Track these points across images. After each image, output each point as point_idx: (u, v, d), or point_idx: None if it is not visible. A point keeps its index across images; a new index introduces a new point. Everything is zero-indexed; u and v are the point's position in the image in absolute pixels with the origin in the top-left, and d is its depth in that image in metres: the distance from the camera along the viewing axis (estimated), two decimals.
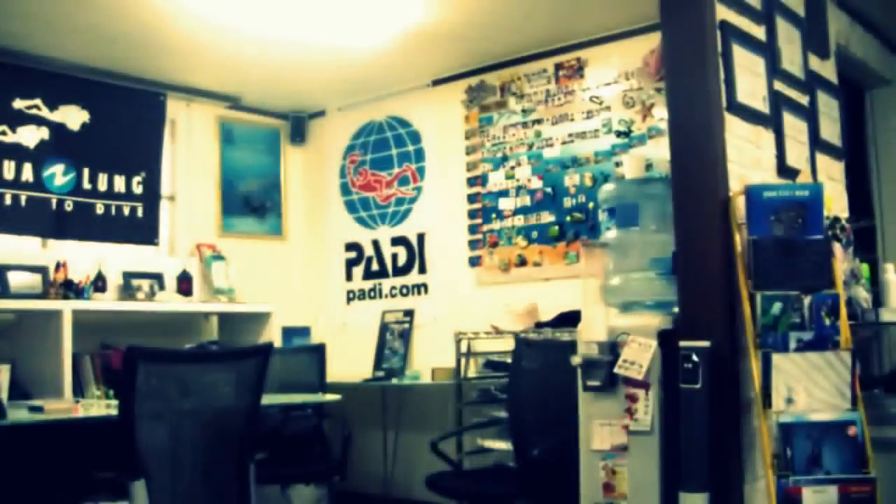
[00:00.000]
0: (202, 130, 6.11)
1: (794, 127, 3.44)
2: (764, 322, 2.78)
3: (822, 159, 3.72)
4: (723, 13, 3.08)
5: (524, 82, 5.42)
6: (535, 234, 5.29)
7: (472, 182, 5.64)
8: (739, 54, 3.10)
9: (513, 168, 5.43)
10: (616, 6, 4.68)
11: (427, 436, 4.37)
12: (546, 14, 4.78)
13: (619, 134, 4.99)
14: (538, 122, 5.34)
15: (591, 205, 5.05)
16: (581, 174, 5.12)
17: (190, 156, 6.01)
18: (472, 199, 5.64)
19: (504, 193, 5.47)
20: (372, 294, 6.14)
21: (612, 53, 5.05)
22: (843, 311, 2.84)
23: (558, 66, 5.27)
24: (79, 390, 4.76)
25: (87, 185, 5.37)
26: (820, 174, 3.65)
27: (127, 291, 5.33)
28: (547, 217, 5.25)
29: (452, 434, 4.76)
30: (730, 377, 2.84)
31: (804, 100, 3.58)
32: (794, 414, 2.72)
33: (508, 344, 4.75)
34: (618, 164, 4.94)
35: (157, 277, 5.53)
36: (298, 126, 6.57)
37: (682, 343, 2.82)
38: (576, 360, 3.04)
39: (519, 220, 5.38)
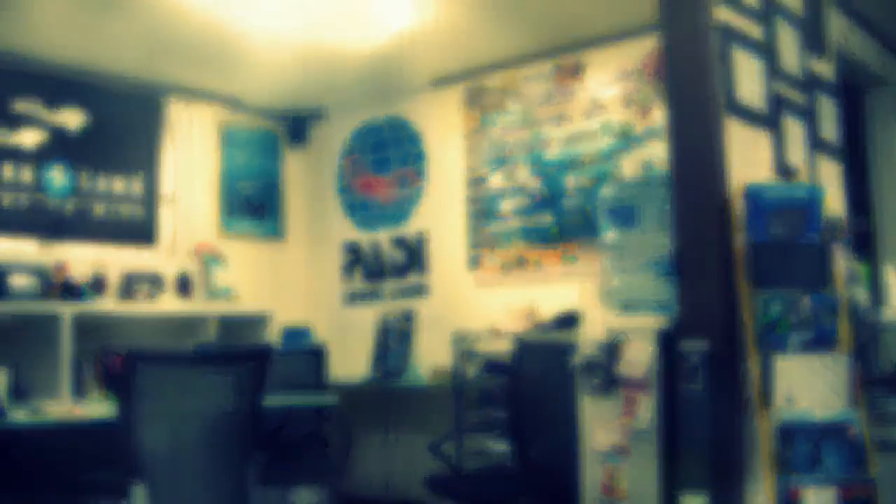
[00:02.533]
0: (201, 132, 6.11)
1: (794, 127, 3.45)
2: (764, 322, 2.78)
3: (822, 160, 3.73)
4: (722, 14, 3.09)
5: (524, 83, 5.43)
6: (534, 236, 5.29)
7: (471, 183, 5.65)
8: (738, 55, 3.11)
9: (512, 169, 5.43)
10: (615, 7, 4.68)
11: (427, 437, 4.38)
12: (546, 15, 4.78)
13: (618, 135, 4.99)
14: (538, 123, 5.34)
15: (590, 206, 5.05)
16: (580, 175, 5.12)
17: (189, 157, 6.02)
18: (471, 200, 5.64)
19: (503, 194, 5.47)
20: (372, 295, 6.14)
21: (612, 55, 5.05)
22: (843, 311, 2.85)
23: (558, 68, 5.28)
24: (78, 392, 4.76)
25: (86, 187, 5.37)
26: (819, 174, 3.65)
27: (126, 293, 5.33)
28: (546, 218, 5.25)
29: (452, 435, 4.76)
30: (729, 377, 2.84)
31: (803, 100, 3.59)
32: (794, 414, 2.72)
33: (508, 345, 4.75)
34: (617, 166, 4.94)
35: (157, 279, 5.53)
36: (298, 127, 6.57)
37: (682, 343, 2.82)
38: (576, 361, 3.04)
39: (518, 222, 5.38)
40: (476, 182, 5.62)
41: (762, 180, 3.15)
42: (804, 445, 2.69)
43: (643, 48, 4.85)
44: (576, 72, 5.20)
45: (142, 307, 5.25)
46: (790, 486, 2.65)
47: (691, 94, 2.99)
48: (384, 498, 5.71)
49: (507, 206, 5.45)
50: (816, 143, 3.65)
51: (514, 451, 4.14)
